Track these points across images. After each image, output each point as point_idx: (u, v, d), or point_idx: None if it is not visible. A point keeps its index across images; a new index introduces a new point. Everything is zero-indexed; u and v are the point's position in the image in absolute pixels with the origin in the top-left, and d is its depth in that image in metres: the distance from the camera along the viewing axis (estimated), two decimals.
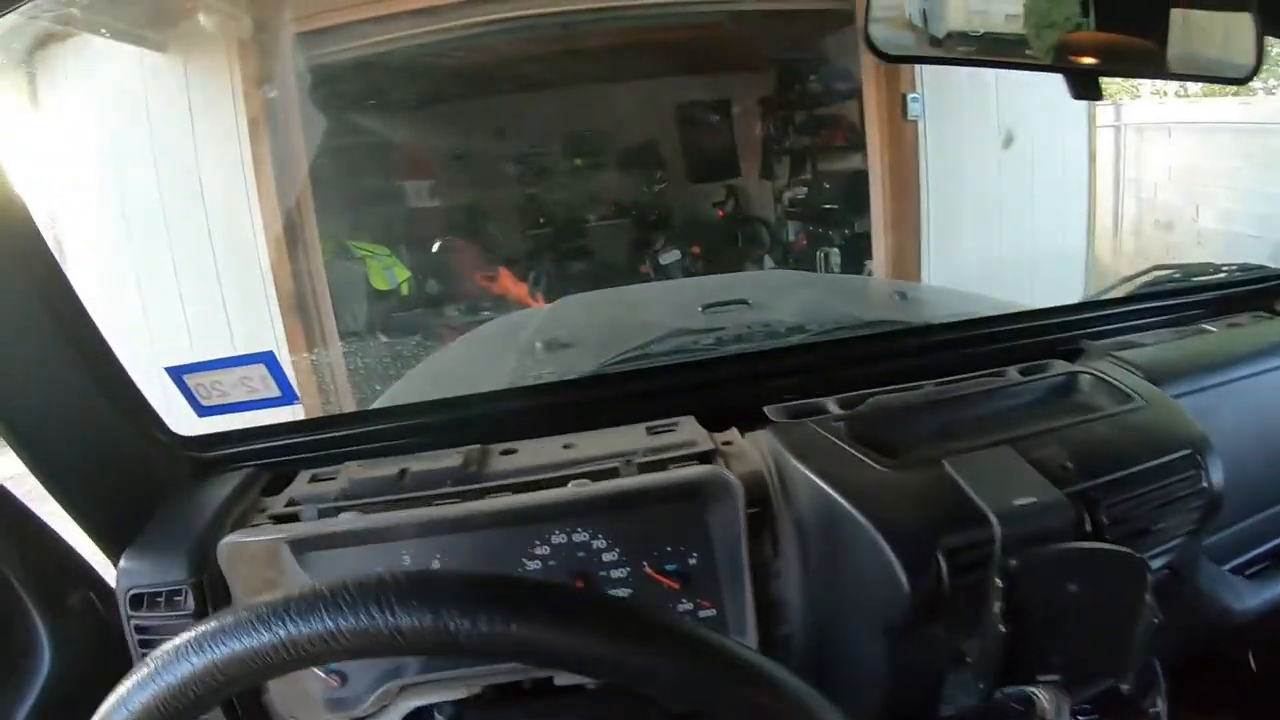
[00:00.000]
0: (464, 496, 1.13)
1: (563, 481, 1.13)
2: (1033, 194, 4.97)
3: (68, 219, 3.94)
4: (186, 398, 1.30)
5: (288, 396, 1.31)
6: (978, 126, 4.81)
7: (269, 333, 4.30)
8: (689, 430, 1.26)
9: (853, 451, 1.13)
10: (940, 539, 1.00)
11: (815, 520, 1.10)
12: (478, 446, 1.25)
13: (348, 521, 1.08)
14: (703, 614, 1.12)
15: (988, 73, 4.70)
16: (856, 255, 5.88)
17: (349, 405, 3.81)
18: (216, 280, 4.21)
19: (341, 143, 4.89)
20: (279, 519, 1.17)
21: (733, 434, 1.26)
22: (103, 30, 3.92)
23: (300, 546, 1.08)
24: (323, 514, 1.14)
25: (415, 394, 2.36)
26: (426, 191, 6.33)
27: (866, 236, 5.50)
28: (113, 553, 1.18)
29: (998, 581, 0.88)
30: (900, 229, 4.92)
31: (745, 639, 1.10)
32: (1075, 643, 0.93)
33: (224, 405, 1.32)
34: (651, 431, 1.27)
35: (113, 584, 1.17)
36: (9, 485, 1.14)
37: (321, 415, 1.53)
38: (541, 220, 6.87)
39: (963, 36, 1.30)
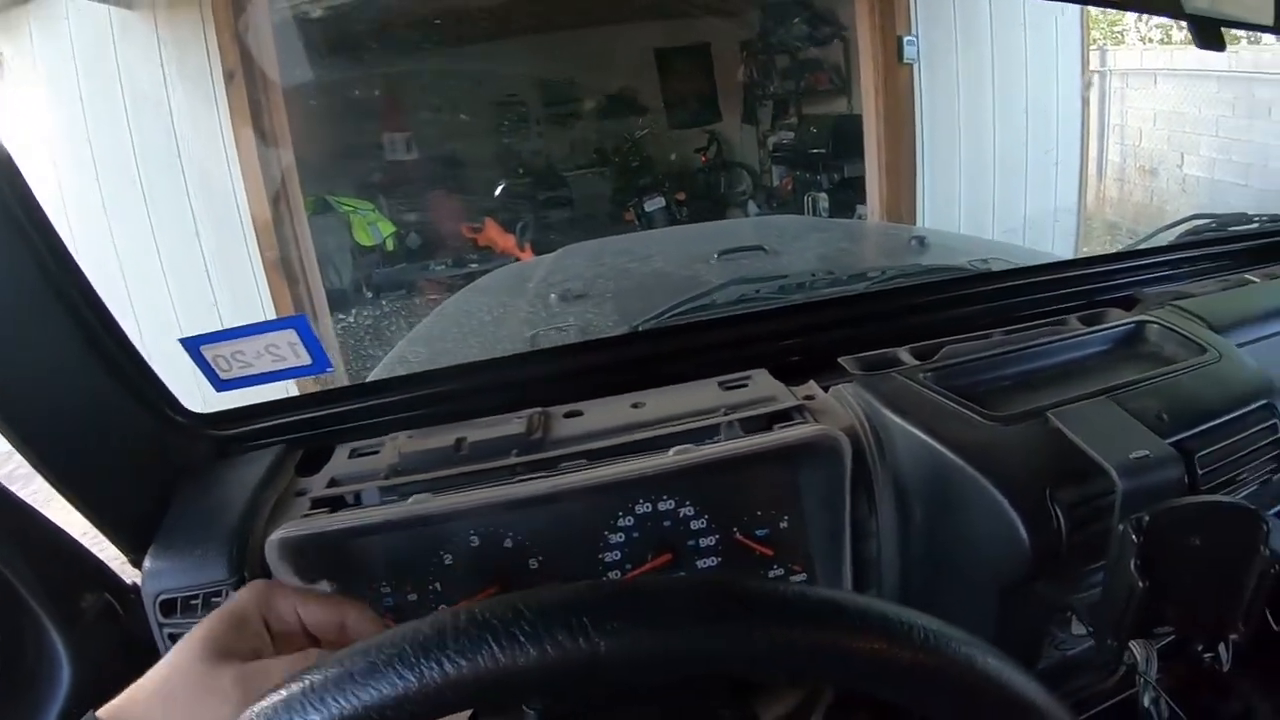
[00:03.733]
0: (535, 467, 1.05)
1: (643, 446, 1.06)
2: (1027, 139, 4.93)
3: (40, 190, 3.83)
4: (204, 371, 1.18)
5: (320, 363, 1.20)
6: (974, 70, 4.76)
7: (255, 296, 4.21)
8: (765, 384, 1.18)
9: (952, 404, 1.07)
10: (1057, 493, 0.95)
11: (919, 477, 1.04)
12: (539, 410, 1.15)
13: (421, 504, 0.97)
14: (794, 579, 1.07)
15: (984, 15, 4.67)
16: (846, 200, 5.84)
17: (342, 370, 3.72)
18: (198, 244, 4.11)
19: (320, 96, 4.80)
20: (329, 504, 1.06)
21: (813, 387, 1.19)
22: None
23: (362, 533, 0.98)
24: (386, 497, 1.04)
25: (426, 355, 2.29)
26: (406, 144, 6.23)
27: (855, 181, 5.48)
28: (132, 550, 1.08)
29: (1133, 537, 0.83)
30: (895, 173, 4.87)
31: None
32: (1192, 596, 0.89)
33: (247, 377, 1.21)
34: (725, 386, 1.19)
35: (129, 582, 1.07)
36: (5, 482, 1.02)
37: (350, 384, 1.43)
38: (521, 170, 6.80)
39: None
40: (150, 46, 3.97)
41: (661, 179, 7.03)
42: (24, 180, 0.99)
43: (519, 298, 2.41)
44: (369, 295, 5.44)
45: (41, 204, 1.01)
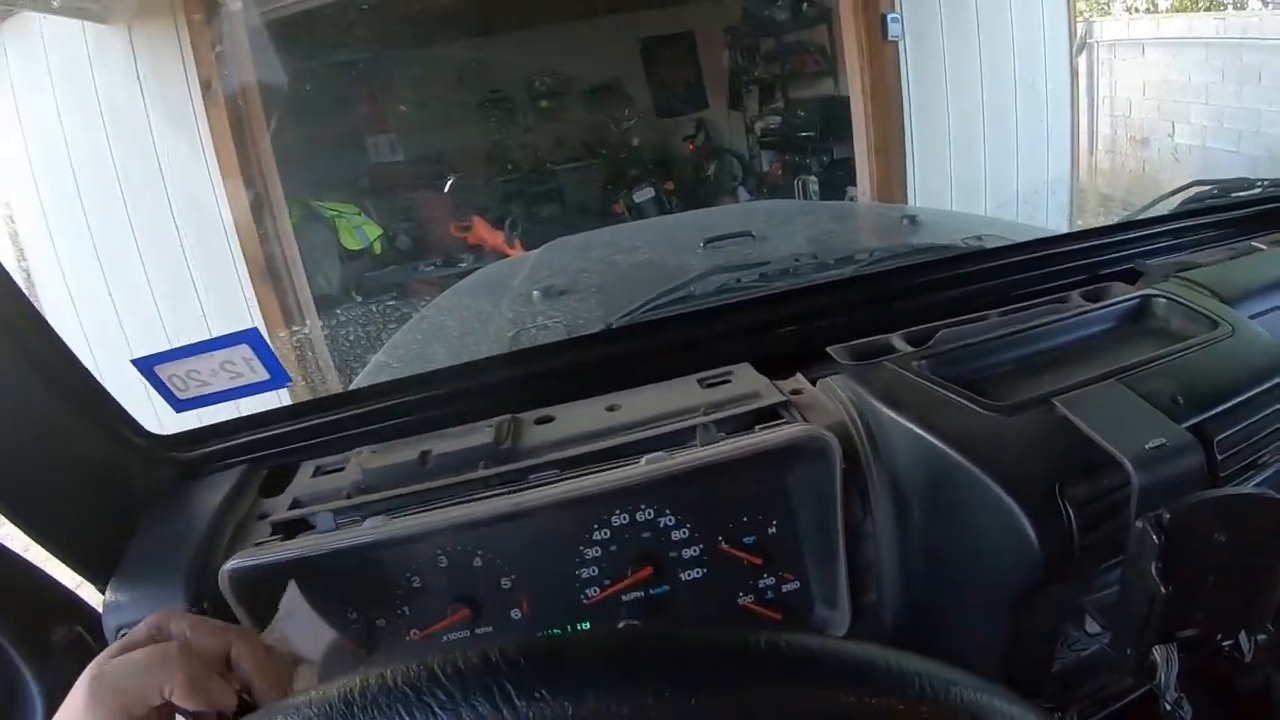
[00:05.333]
0: (504, 480, 0.99)
1: (617, 452, 1.00)
2: (1016, 113, 4.88)
3: (20, 209, 3.80)
4: (159, 391, 1.13)
5: (278, 379, 1.14)
6: (960, 45, 4.71)
7: (242, 307, 4.17)
8: (747, 380, 1.12)
9: (949, 394, 1.01)
10: (1067, 489, 0.89)
11: (915, 474, 0.98)
12: (508, 417, 1.09)
13: (374, 530, 0.92)
14: (786, 588, 1.01)
15: None
16: (836, 182, 5.80)
17: (334, 380, 3.67)
18: (183, 256, 4.06)
19: (300, 101, 4.75)
20: (286, 528, 1.01)
21: (799, 380, 1.13)
22: (51, 4, 3.73)
23: (316, 562, 0.93)
24: (341, 521, 0.98)
25: (406, 360, 2.24)
26: (390, 145, 6.20)
27: (845, 163, 5.46)
28: (97, 579, 1.03)
29: (1153, 537, 0.76)
30: (884, 153, 4.83)
31: (836, 612, 0.99)
32: (1217, 596, 0.83)
33: (204, 396, 1.15)
34: (705, 384, 1.13)
35: (100, 611, 1.02)
36: None
37: (314, 397, 1.37)
38: (509, 166, 6.77)
39: None
40: (126, 60, 3.92)
41: (650, 169, 6.99)
42: None
43: (503, 296, 2.34)
44: (358, 299, 5.39)
45: None
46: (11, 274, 1.01)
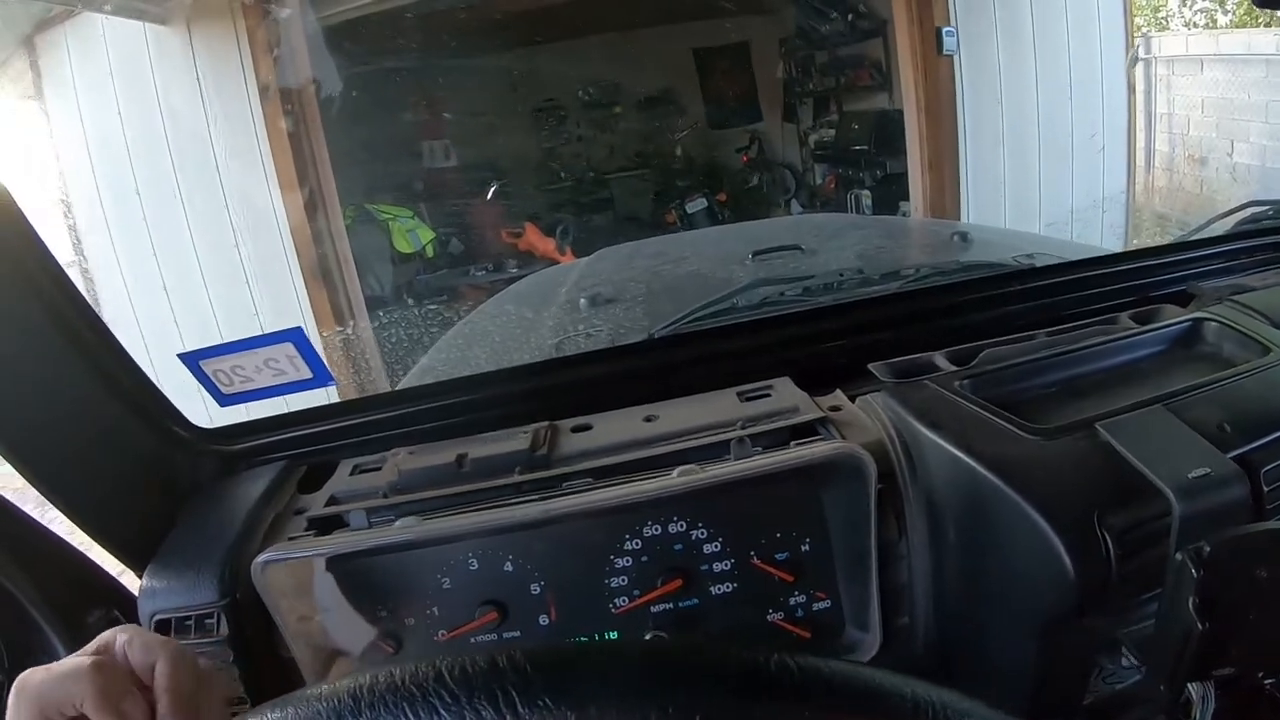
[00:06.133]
0: (538, 486, 1.00)
1: (652, 463, 1.00)
2: (1072, 129, 4.81)
3: (81, 206, 3.87)
4: (205, 386, 1.15)
5: (320, 378, 1.16)
6: (1015, 60, 4.65)
7: (294, 305, 4.21)
8: (787, 394, 1.12)
9: (990, 416, 0.99)
10: (1106, 516, 0.86)
11: (952, 497, 0.96)
12: (545, 424, 1.10)
13: (405, 529, 0.93)
14: (817, 607, 1.00)
15: (1023, 2, 4.57)
16: (889, 196, 5.75)
17: (382, 380, 3.70)
18: (237, 255, 4.12)
19: (356, 105, 4.80)
20: (321, 524, 1.02)
21: (839, 397, 1.12)
22: (106, 6, 3.79)
23: (350, 558, 0.95)
24: (375, 520, 1.00)
25: (451, 364, 2.25)
26: (444, 150, 6.23)
27: (899, 177, 5.40)
28: (136, 566, 1.05)
29: (1191, 571, 0.74)
30: (938, 168, 4.78)
31: (868, 634, 0.98)
32: (1258, 633, 0.80)
33: (249, 392, 1.17)
34: (744, 397, 1.13)
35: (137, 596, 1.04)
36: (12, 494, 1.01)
37: (359, 396, 1.39)
38: (562, 174, 6.78)
39: None
40: (186, 61, 3.98)
41: (703, 180, 6.97)
42: (19, 209, 0.98)
43: (550, 304, 2.34)
44: (410, 302, 5.42)
45: (37, 230, 1.00)
46: (67, 270, 1.03)
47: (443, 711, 0.42)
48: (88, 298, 1.07)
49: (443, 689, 0.43)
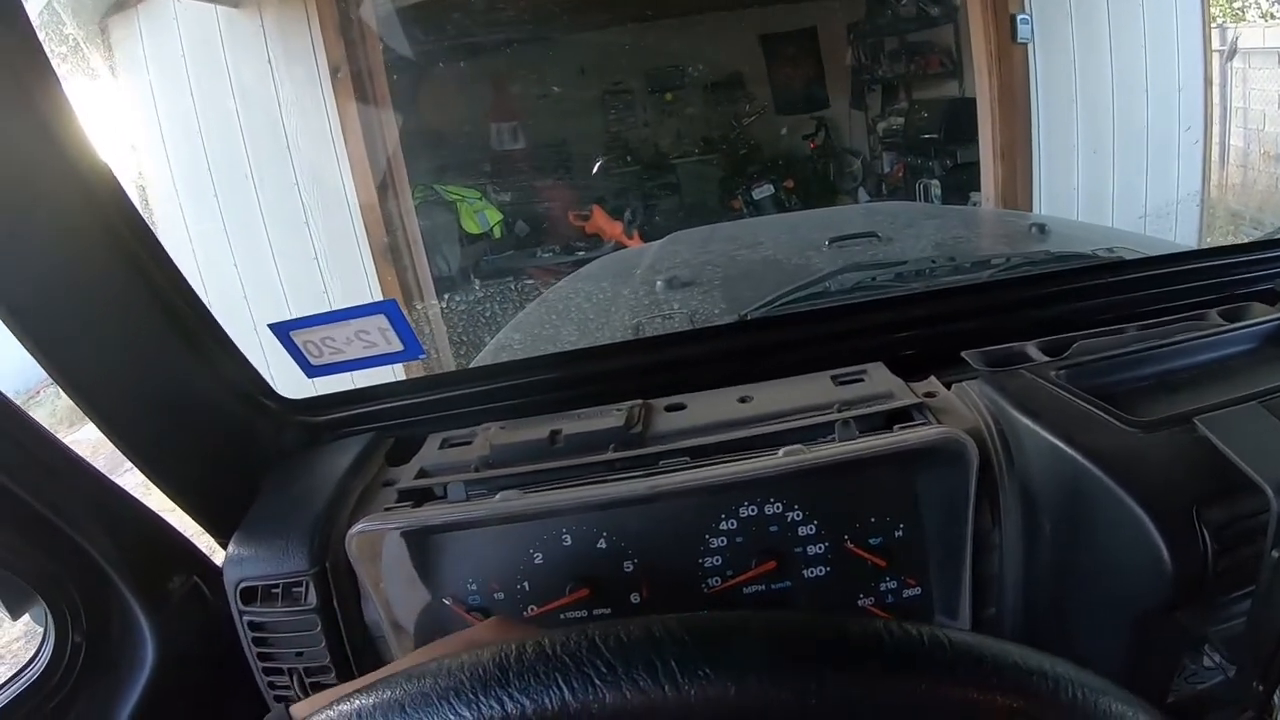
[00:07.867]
0: (633, 464, 0.99)
1: (749, 444, 0.99)
2: (1148, 122, 4.70)
3: (153, 183, 3.93)
4: (294, 357, 1.16)
5: (411, 349, 1.16)
6: (1090, 49, 4.55)
7: (363, 283, 4.26)
8: (881, 380, 1.10)
9: (1088, 407, 0.97)
10: (1204, 511, 0.84)
11: (1048, 487, 0.95)
12: (639, 402, 1.09)
13: (507, 503, 0.93)
14: (907, 593, 0.99)
15: None
16: (958, 186, 5.67)
17: (449, 359, 3.72)
18: (308, 232, 4.17)
19: (425, 86, 4.83)
20: (415, 496, 1.03)
21: (933, 383, 1.11)
22: None
23: (445, 530, 0.96)
24: (473, 492, 1.00)
25: (528, 342, 2.26)
26: (512, 133, 6.25)
27: (969, 167, 5.32)
28: (219, 533, 1.07)
29: None
30: (1010, 158, 4.69)
31: (956, 622, 0.97)
32: None
33: (338, 363, 1.18)
34: (839, 381, 1.11)
35: (219, 563, 1.05)
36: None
37: (431, 374, 1.39)
38: (629, 158, 6.77)
39: None
40: (257, 43, 4.03)
41: (769, 166, 6.94)
42: (118, 181, 0.98)
43: (624, 285, 2.35)
44: (476, 282, 5.46)
45: (134, 201, 1.00)
46: (161, 242, 1.04)
47: (599, 683, 0.41)
48: None
49: (598, 659, 0.42)
